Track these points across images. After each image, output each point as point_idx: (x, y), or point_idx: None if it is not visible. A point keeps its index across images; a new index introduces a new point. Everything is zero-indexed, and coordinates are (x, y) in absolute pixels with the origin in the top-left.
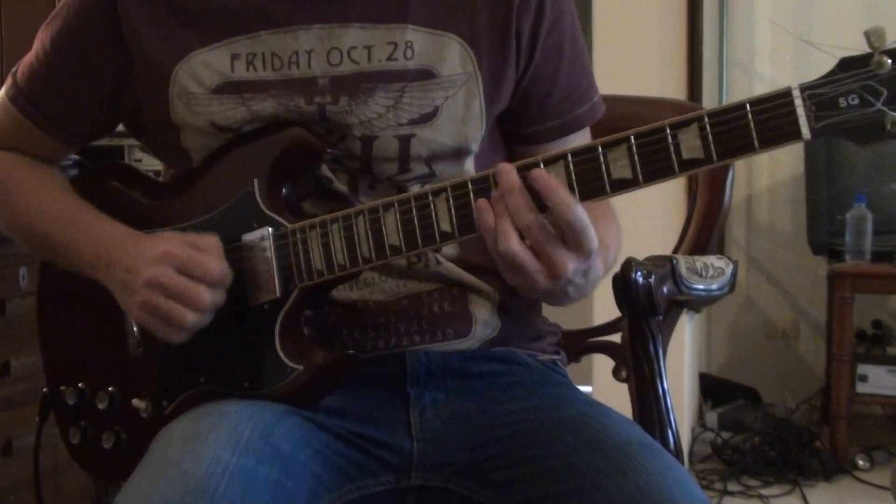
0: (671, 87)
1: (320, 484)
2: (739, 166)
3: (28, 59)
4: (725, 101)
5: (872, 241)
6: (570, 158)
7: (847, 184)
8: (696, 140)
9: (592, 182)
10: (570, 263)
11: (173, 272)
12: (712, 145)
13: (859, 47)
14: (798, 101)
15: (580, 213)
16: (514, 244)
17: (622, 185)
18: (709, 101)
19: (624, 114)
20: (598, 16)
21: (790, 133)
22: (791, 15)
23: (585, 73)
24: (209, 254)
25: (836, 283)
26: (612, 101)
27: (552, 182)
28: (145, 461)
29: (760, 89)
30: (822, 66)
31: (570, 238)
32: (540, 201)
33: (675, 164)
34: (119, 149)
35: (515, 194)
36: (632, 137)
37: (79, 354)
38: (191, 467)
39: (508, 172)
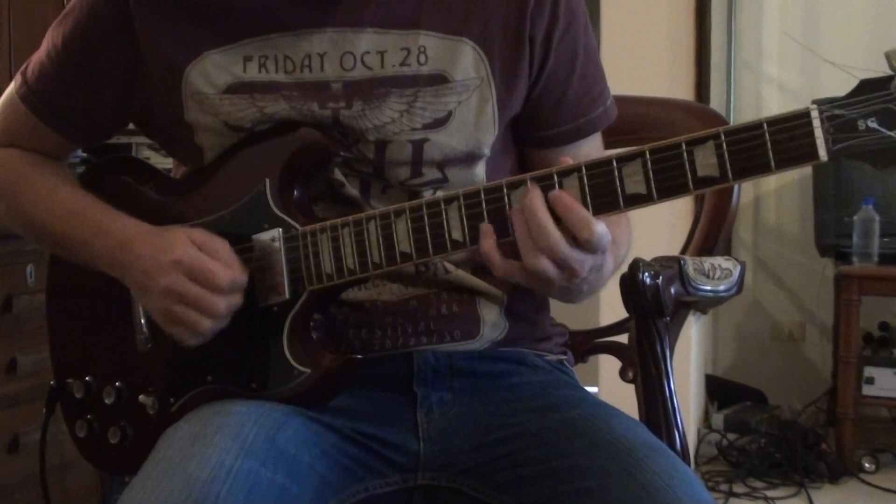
0: (679, 87)
1: (326, 485)
2: None
3: (38, 56)
4: (733, 102)
5: (880, 244)
6: (584, 171)
7: (855, 186)
8: (711, 158)
9: (606, 196)
10: (587, 263)
11: (186, 280)
12: (728, 164)
13: (868, 55)
14: (816, 123)
15: (599, 229)
16: (542, 261)
17: (636, 201)
18: (717, 102)
19: (632, 114)
20: (606, 16)
21: (807, 154)
22: (799, 19)
23: (598, 77)
24: (219, 260)
25: (843, 285)
26: (620, 101)
27: (569, 202)
28: (150, 462)
29: (768, 91)
30: (829, 69)
31: (588, 247)
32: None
33: (690, 181)
34: (127, 146)
35: (539, 217)
36: (647, 152)
37: (87, 348)
38: (195, 471)
39: (533, 197)
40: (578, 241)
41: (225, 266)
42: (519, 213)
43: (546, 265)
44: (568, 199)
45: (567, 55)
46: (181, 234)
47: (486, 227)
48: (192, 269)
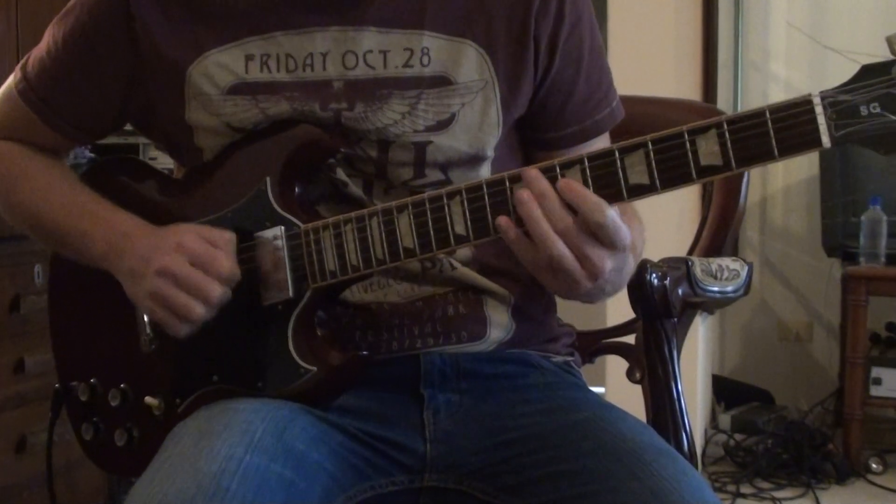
0: (686, 87)
1: (334, 483)
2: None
3: (38, 53)
4: (740, 102)
5: (887, 244)
6: (586, 163)
7: (862, 186)
8: (714, 146)
9: (609, 187)
10: (608, 261)
11: (186, 263)
12: (731, 152)
13: (875, 49)
14: (819, 109)
15: (612, 214)
16: (560, 246)
17: (639, 191)
18: (724, 102)
19: (639, 114)
20: (613, 15)
21: (810, 141)
22: (807, 15)
23: (605, 78)
24: (222, 250)
25: (851, 285)
26: (627, 101)
27: (579, 189)
28: (158, 458)
29: (775, 90)
30: (837, 67)
31: (605, 238)
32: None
33: (693, 170)
34: (134, 147)
35: (549, 198)
36: (649, 142)
37: (91, 350)
38: (204, 465)
39: (538, 179)
40: (592, 228)
41: (227, 256)
42: (527, 202)
43: (564, 250)
44: (576, 185)
45: (573, 56)
46: (185, 224)
47: (504, 221)
48: (196, 253)
